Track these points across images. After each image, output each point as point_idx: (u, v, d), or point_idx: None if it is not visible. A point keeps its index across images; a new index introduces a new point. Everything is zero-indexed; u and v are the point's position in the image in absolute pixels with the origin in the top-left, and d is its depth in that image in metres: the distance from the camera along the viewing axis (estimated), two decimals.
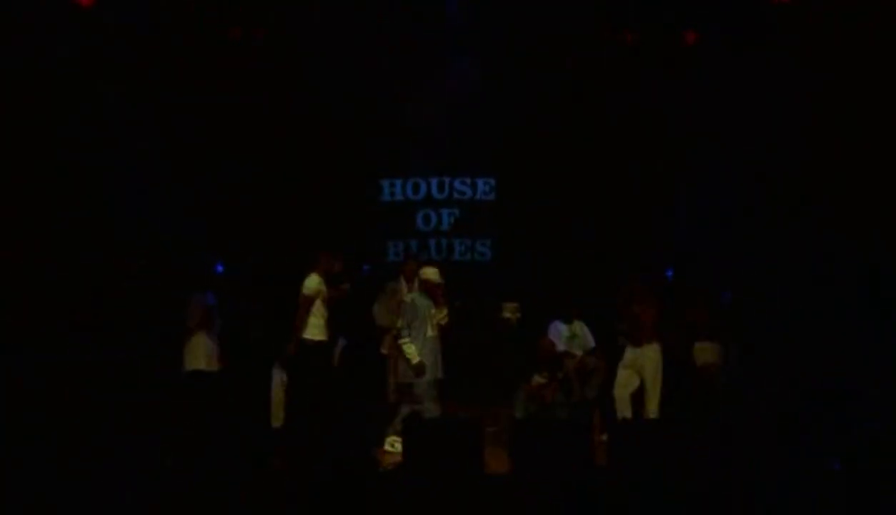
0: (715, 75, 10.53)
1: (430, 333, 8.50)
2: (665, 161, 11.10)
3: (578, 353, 9.59)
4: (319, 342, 8.67)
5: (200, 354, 9.01)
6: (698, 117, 10.69)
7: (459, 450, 6.47)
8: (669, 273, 10.63)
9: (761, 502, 5.32)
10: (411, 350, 8.33)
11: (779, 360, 8.74)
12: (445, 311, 8.61)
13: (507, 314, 10.13)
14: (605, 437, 7.67)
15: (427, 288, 8.63)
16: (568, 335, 9.63)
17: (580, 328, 9.72)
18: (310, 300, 8.60)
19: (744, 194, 10.40)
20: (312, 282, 8.64)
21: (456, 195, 11.92)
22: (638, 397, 8.94)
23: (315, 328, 8.64)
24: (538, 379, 9.05)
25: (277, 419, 8.89)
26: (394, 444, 8.11)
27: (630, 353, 9.03)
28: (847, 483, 5.21)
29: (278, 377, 9.01)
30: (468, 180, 11.92)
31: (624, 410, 8.89)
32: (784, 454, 5.88)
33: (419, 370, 8.30)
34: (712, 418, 8.63)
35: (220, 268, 10.45)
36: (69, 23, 9.56)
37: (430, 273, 8.67)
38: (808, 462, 5.64)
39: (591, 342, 9.59)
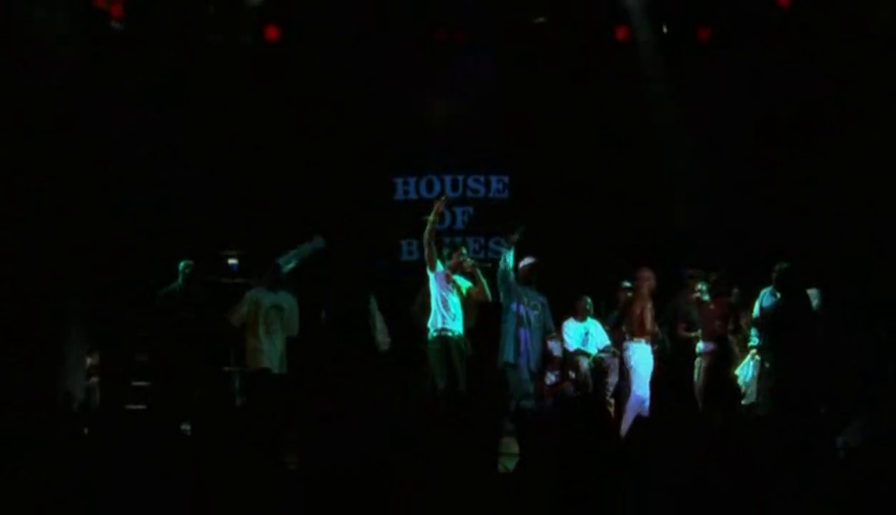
0: (723, 73, 10.57)
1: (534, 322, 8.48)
2: (678, 159, 11.06)
3: (592, 351, 9.54)
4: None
5: (262, 354, 8.84)
6: (709, 114, 10.70)
7: (473, 444, 6.42)
8: (686, 272, 10.55)
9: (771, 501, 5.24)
10: None
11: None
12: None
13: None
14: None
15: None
16: (582, 333, 9.58)
17: (594, 326, 9.68)
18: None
19: (750, 190, 10.41)
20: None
21: (469, 194, 11.87)
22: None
23: None
24: (551, 378, 9.01)
25: None
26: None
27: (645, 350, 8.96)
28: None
29: None
30: (482, 178, 11.87)
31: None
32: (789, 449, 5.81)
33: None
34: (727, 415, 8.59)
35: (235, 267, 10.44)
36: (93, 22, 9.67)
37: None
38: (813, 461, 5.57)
39: (606, 340, 9.54)
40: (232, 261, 10.36)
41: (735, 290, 9.56)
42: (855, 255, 9.53)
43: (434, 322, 8.17)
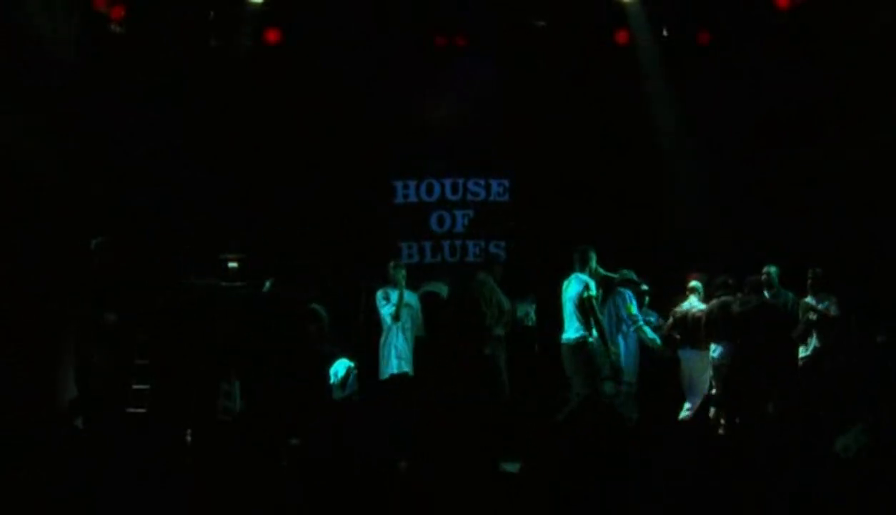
0: (723, 75, 10.64)
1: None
2: (678, 161, 11.08)
3: None
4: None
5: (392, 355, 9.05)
6: (709, 116, 10.74)
7: (472, 446, 6.41)
8: None
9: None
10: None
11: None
12: None
13: (520, 315, 10.07)
14: None
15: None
16: None
17: None
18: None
19: (750, 192, 10.44)
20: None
21: (470, 197, 11.84)
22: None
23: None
24: None
25: None
26: None
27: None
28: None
29: None
30: (482, 182, 11.85)
31: None
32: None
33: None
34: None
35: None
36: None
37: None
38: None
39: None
40: (232, 264, 10.35)
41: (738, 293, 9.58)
42: (855, 256, 9.54)
43: (585, 329, 8.54)
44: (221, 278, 10.07)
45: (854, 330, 9.34)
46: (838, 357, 9.15)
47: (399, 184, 11.81)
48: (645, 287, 9.69)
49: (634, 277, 9.25)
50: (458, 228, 11.83)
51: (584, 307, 8.52)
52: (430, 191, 11.82)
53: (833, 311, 9.17)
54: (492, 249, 11.75)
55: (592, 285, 8.64)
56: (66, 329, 8.96)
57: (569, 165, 11.32)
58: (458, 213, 11.83)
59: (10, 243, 8.19)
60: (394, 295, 9.16)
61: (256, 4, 10.57)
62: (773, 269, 9.41)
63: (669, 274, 9.55)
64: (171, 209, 10.16)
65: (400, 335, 9.15)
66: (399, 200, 11.82)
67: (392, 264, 9.45)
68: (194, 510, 5.27)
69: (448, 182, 11.82)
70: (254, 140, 10.90)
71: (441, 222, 11.81)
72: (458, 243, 11.80)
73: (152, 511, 5.21)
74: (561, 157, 11.35)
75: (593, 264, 8.84)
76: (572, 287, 8.68)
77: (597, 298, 8.65)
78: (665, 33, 10.96)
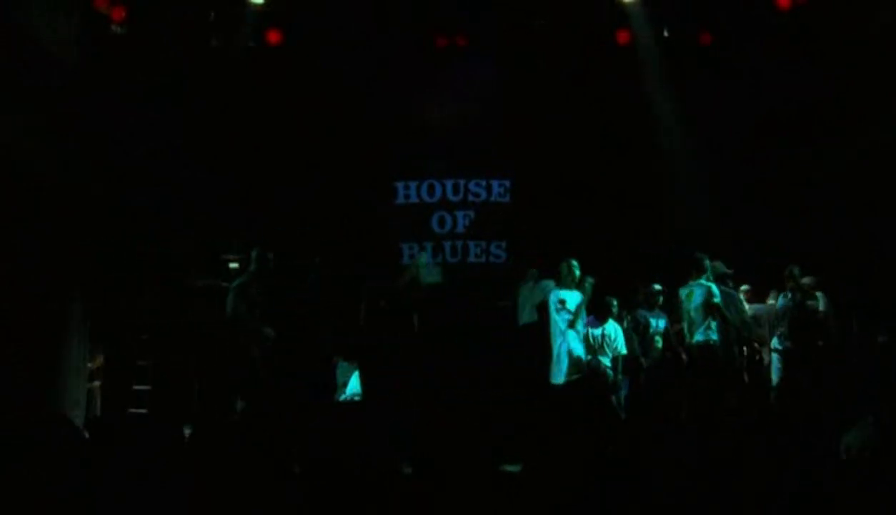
0: (724, 75, 10.65)
1: None
2: (678, 161, 11.08)
3: (606, 360, 9.46)
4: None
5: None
6: (709, 116, 10.74)
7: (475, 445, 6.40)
8: None
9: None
10: None
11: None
12: None
13: None
14: None
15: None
16: (597, 335, 9.48)
17: (614, 329, 9.56)
18: None
19: (750, 191, 10.46)
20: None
21: (471, 197, 11.86)
22: None
23: None
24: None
25: None
26: None
27: None
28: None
29: None
30: (483, 182, 11.85)
31: None
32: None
33: None
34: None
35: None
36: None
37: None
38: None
39: (622, 348, 9.44)
40: (233, 264, 10.36)
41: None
42: (855, 255, 9.55)
43: (710, 331, 8.73)
44: (222, 278, 10.09)
45: (855, 330, 9.36)
46: (839, 357, 9.17)
47: (400, 185, 11.83)
48: (658, 287, 9.73)
49: (724, 270, 9.24)
50: (460, 228, 11.83)
51: (711, 311, 8.68)
52: (431, 192, 11.82)
53: (822, 307, 9.21)
54: (493, 249, 11.75)
55: (715, 289, 8.74)
56: (66, 329, 8.97)
57: (569, 165, 11.32)
58: (459, 213, 11.84)
59: (10, 243, 8.17)
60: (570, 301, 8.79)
61: (257, 5, 10.58)
62: (796, 269, 9.45)
63: (669, 274, 9.52)
64: (171, 209, 10.18)
65: (576, 341, 8.73)
66: (400, 200, 11.84)
67: (565, 264, 8.88)
68: (194, 510, 5.26)
69: (449, 183, 11.83)
70: (254, 140, 10.92)
71: (442, 222, 11.81)
72: (459, 243, 11.80)
73: (152, 511, 5.20)
74: (561, 157, 11.35)
75: (709, 269, 8.88)
76: (696, 295, 8.78)
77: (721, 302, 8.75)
78: (666, 33, 10.95)
